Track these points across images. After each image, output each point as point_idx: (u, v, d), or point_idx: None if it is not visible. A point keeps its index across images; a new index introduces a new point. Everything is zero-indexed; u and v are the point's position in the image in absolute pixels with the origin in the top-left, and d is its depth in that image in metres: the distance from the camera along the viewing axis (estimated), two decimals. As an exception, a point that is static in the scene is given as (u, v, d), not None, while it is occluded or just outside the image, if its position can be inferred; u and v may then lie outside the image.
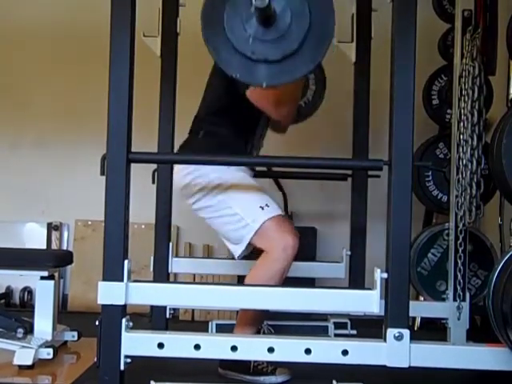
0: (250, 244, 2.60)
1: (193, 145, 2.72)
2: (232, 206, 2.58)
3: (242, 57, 1.99)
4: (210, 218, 2.67)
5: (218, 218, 2.63)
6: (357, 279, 3.33)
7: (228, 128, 2.67)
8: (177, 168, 2.73)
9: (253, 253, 2.70)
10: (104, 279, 2.16)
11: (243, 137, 2.72)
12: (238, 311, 2.76)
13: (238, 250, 2.63)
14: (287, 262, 2.54)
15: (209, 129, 2.68)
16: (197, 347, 2.17)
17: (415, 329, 3.68)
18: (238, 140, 2.69)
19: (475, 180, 2.92)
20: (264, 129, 2.86)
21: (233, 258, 2.79)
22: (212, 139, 2.66)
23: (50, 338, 2.87)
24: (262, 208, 2.56)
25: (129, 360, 2.17)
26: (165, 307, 3.15)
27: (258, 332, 2.74)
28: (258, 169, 3.25)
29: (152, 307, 3.34)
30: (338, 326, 3.37)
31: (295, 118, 2.95)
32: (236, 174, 2.63)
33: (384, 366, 2.14)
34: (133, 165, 2.22)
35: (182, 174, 2.66)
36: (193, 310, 4.10)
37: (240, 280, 3.53)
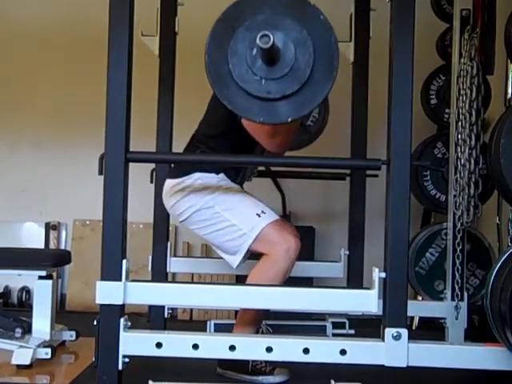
0: (247, 252, 2.59)
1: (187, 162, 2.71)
2: (228, 217, 2.57)
3: (259, 100, 1.99)
4: (206, 234, 2.65)
5: (215, 232, 2.61)
6: (355, 279, 3.33)
7: (223, 153, 2.65)
8: (165, 190, 2.73)
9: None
10: (102, 279, 2.16)
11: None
12: (236, 310, 2.76)
13: (235, 260, 2.62)
14: (289, 263, 2.53)
15: (205, 150, 2.68)
16: (195, 347, 2.17)
17: (413, 328, 3.68)
18: (232, 167, 2.69)
19: (473, 180, 2.92)
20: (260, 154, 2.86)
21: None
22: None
23: (48, 337, 2.87)
24: (259, 215, 2.56)
25: (127, 360, 2.17)
26: (163, 307, 3.14)
27: (257, 331, 2.74)
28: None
29: (150, 307, 3.34)
30: (336, 325, 3.37)
31: (296, 146, 2.90)
32: (227, 190, 2.63)
33: (382, 366, 2.14)
34: (131, 164, 2.22)
35: (170, 195, 2.67)
36: (191, 310, 4.10)
37: (238, 279, 3.53)
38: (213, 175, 2.63)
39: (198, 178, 2.62)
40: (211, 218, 2.60)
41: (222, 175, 2.65)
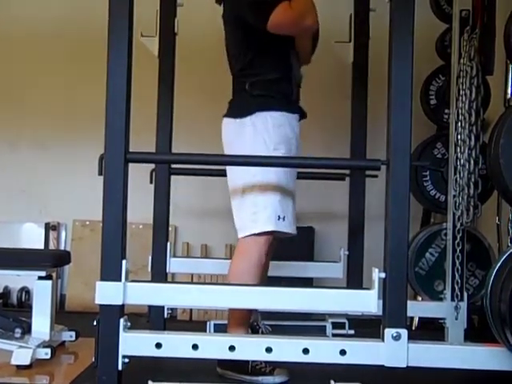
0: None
1: (243, 98, 2.70)
2: (255, 196, 2.57)
3: None
4: (232, 188, 2.65)
5: (239, 196, 2.62)
6: (355, 279, 3.34)
7: (267, 71, 2.66)
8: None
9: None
10: (102, 279, 2.16)
11: (283, 73, 2.71)
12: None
13: (241, 233, 2.62)
14: (261, 248, 2.55)
15: (251, 80, 2.66)
16: (195, 347, 2.17)
17: (413, 329, 3.67)
18: (281, 78, 2.69)
19: (473, 180, 2.93)
20: (297, 58, 2.81)
21: (230, 258, 2.78)
22: (258, 86, 2.65)
23: (47, 338, 2.87)
24: (279, 218, 2.56)
25: (127, 360, 2.17)
26: (163, 307, 3.15)
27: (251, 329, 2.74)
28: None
29: (150, 307, 3.34)
30: (335, 325, 3.37)
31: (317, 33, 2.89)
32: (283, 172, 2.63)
33: (382, 366, 2.14)
34: (131, 164, 2.22)
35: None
36: (191, 310, 4.09)
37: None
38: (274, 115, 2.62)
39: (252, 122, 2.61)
40: (244, 178, 2.59)
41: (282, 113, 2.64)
